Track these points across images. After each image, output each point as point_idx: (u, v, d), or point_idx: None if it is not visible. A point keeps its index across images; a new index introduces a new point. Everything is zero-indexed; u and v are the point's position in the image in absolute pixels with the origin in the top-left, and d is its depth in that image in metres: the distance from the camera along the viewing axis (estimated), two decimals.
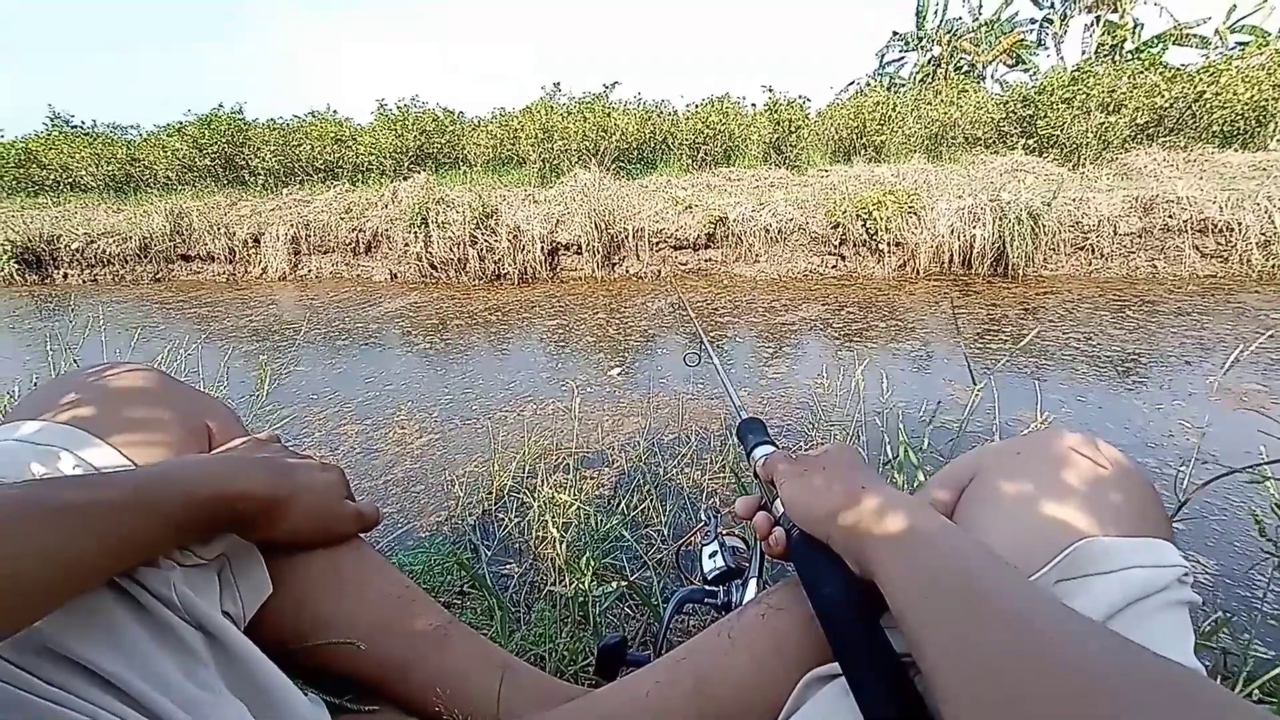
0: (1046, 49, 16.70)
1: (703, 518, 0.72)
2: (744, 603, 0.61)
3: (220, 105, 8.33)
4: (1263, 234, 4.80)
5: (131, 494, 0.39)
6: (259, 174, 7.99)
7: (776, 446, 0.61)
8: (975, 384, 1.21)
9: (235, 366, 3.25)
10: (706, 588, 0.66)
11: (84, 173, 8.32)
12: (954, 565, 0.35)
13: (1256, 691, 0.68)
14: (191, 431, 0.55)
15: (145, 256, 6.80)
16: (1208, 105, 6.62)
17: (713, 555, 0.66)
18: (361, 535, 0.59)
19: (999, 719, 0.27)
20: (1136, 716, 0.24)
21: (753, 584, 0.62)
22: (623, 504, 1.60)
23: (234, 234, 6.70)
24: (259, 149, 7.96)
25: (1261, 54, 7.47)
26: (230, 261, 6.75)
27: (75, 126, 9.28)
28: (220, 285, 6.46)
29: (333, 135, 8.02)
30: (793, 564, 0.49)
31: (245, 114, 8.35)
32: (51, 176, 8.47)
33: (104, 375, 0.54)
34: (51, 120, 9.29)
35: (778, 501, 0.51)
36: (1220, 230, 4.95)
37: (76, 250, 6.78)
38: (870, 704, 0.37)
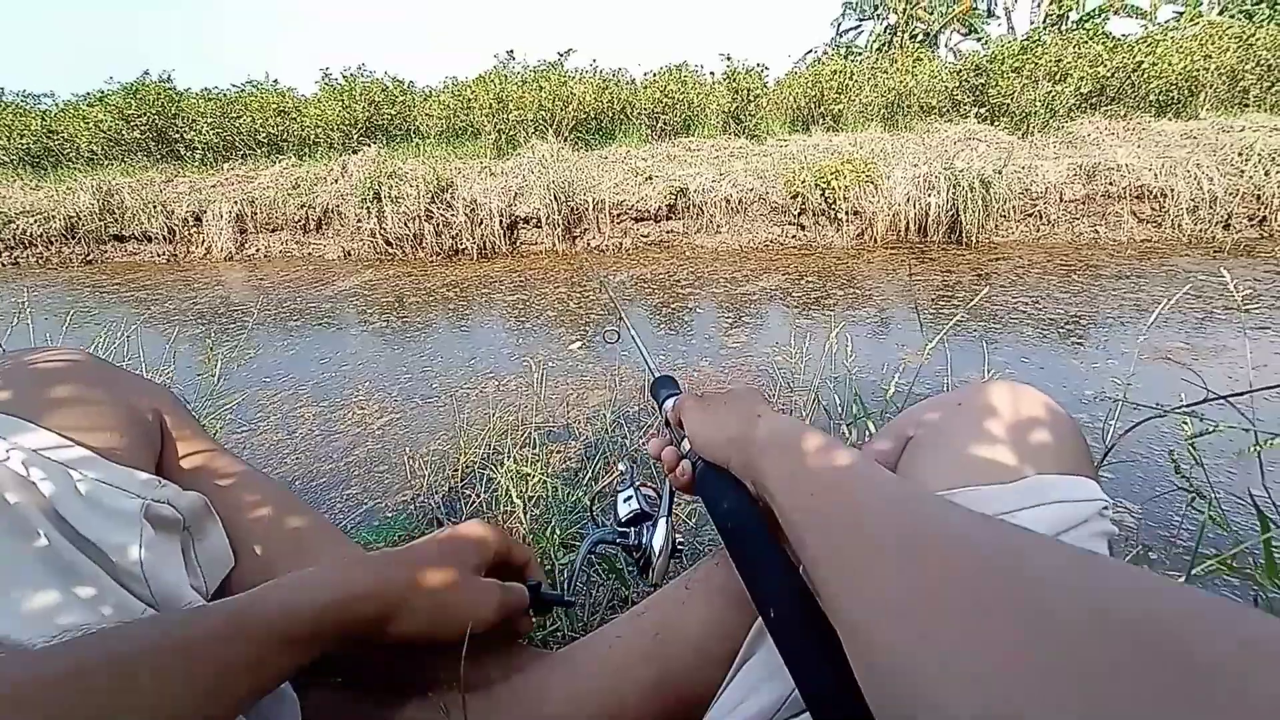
0: (998, 18, 16.98)
1: (621, 468, 0.75)
2: (653, 542, 0.65)
3: (146, 73, 7.77)
4: (1192, 200, 5.06)
5: (225, 620, 0.36)
6: (196, 148, 7.52)
7: None
8: (927, 346, 1.25)
9: (181, 350, 3.11)
10: (619, 529, 0.69)
11: None
12: (830, 468, 0.37)
13: None
14: (132, 414, 0.52)
15: (73, 237, 6.36)
16: (1145, 75, 6.86)
17: (627, 499, 0.69)
18: (320, 509, 0.58)
19: (867, 601, 0.29)
20: (1007, 552, 0.26)
21: (662, 524, 0.65)
22: (590, 476, 1.62)
23: (172, 212, 6.32)
24: (194, 121, 7.48)
25: (1195, 25, 7.78)
26: (170, 241, 6.38)
27: None
28: (160, 267, 6.12)
29: (275, 106, 7.59)
30: (699, 497, 0.52)
31: (175, 83, 7.82)
32: None
33: (27, 358, 0.52)
34: None
35: (685, 441, 0.54)
36: (1155, 196, 5.19)
37: None
38: (764, 599, 0.39)
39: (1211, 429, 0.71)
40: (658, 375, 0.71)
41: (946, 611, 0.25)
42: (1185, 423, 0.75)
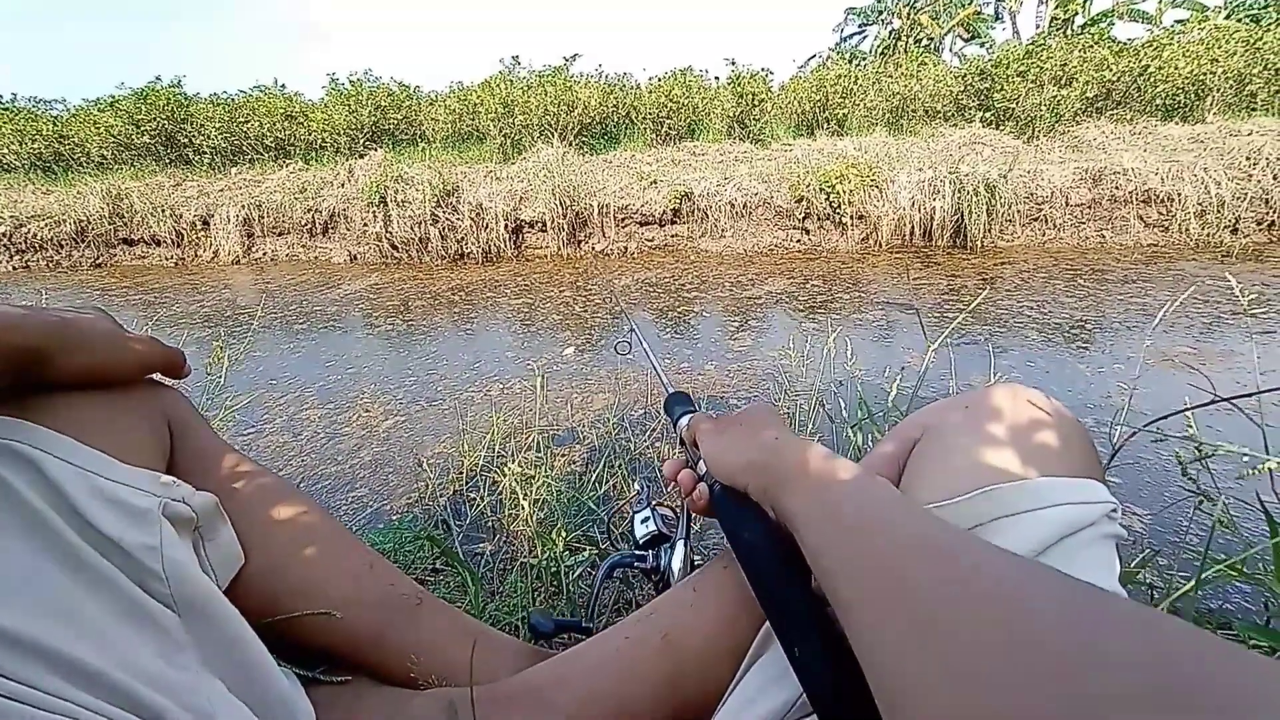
0: (1003, 22, 17.00)
1: (637, 487, 0.74)
2: (671, 564, 0.64)
3: (158, 79, 7.84)
4: (1199, 204, 5.03)
5: None
6: (204, 152, 7.59)
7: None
8: (931, 350, 1.25)
9: (188, 352, 3.12)
10: (636, 553, 0.68)
11: (5, 150, 7.75)
12: (856, 498, 0.37)
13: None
14: (145, 415, 0.53)
15: (83, 241, 6.41)
16: (1152, 79, 6.84)
17: (644, 520, 0.68)
18: (327, 509, 0.58)
19: (896, 628, 0.29)
20: (1042, 622, 0.25)
21: (680, 546, 0.64)
22: (594, 479, 1.62)
23: (180, 216, 6.37)
24: (203, 126, 7.55)
25: (1202, 29, 7.75)
26: (178, 245, 6.43)
27: None
28: (168, 270, 6.17)
29: (282, 111, 7.65)
30: (716, 520, 0.51)
31: (185, 88, 7.89)
32: None
33: None
34: None
35: (701, 462, 0.53)
36: (1162, 201, 5.17)
37: (3, 235, 6.35)
38: (790, 639, 0.39)
39: (1219, 432, 0.71)
40: (671, 391, 0.68)
41: (987, 686, 0.24)
42: (1191, 426, 0.74)
